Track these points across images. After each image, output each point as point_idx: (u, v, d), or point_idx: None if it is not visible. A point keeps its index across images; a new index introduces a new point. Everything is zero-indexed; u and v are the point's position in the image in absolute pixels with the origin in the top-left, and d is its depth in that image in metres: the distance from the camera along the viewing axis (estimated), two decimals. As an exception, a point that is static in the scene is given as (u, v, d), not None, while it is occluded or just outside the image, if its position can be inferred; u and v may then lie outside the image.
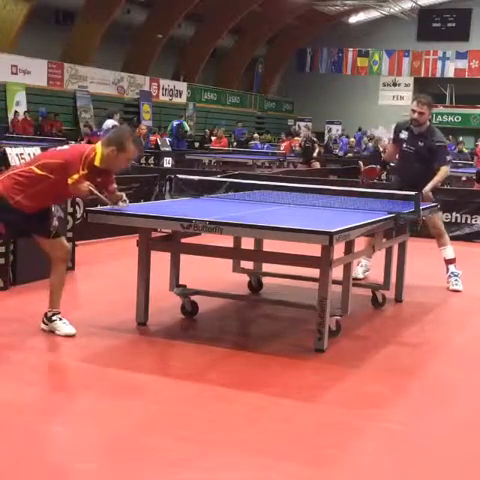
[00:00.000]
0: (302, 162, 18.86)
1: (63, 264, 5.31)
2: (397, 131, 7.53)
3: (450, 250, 7.47)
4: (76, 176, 4.92)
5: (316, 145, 19.44)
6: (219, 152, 20.80)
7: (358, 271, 7.45)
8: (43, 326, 5.30)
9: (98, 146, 5.08)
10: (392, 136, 8.03)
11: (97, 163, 5.02)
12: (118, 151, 5.04)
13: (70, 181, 4.93)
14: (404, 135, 7.36)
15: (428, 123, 7.31)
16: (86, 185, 4.97)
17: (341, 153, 26.18)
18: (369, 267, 7.69)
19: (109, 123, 16.14)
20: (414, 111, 7.21)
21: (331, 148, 28.39)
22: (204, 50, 32.99)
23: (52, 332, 5.23)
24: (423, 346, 5.62)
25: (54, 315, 5.26)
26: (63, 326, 5.23)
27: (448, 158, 7.30)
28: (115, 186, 5.35)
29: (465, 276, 7.49)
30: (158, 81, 30.84)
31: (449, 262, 7.44)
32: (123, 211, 5.39)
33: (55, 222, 5.47)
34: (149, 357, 5.13)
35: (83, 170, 4.95)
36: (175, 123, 24.02)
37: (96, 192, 5.05)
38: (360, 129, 33.69)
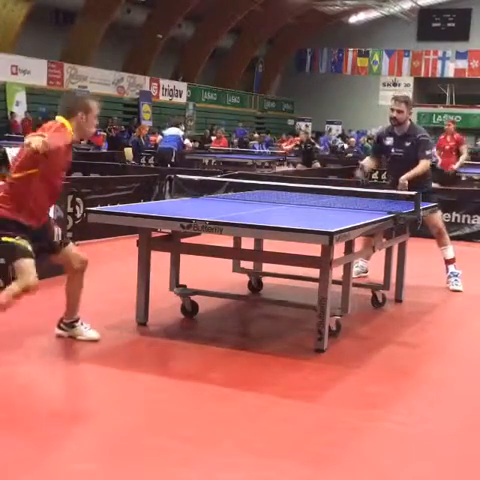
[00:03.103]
0: (303, 163, 18.89)
1: (81, 274, 5.05)
2: (380, 140, 7.45)
3: (450, 250, 7.47)
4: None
5: (316, 147, 19.50)
6: (219, 152, 20.81)
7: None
8: (60, 332, 5.16)
9: (63, 121, 4.74)
10: (373, 148, 7.99)
11: (72, 134, 4.74)
12: (86, 113, 4.79)
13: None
14: (389, 141, 7.31)
15: (409, 122, 7.29)
16: (40, 138, 4.38)
17: (325, 151, 26.03)
18: (366, 268, 7.69)
19: (172, 131, 16.40)
20: (392, 110, 7.19)
21: (332, 148, 28.40)
22: (204, 50, 32.99)
23: (73, 338, 5.12)
24: (423, 346, 5.62)
25: (75, 321, 5.15)
26: (85, 331, 5.14)
27: (428, 152, 7.28)
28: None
29: (465, 276, 7.49)
30: (158, 81, 30.83)
31: (449, 262, 7.44)
32: (123, 211, 5.39)
33: (57, 230, 5.08)
34: (149, 357, 5.14)
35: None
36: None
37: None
38: (350, 131, 33.87)
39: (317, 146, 19.89)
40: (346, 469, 3.54)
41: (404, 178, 6.99)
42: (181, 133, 16.94)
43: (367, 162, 7.68)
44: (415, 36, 38.04)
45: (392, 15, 36.55)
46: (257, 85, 39.22)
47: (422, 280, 7.64)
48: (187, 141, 17.45)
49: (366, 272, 7.71)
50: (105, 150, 20.72)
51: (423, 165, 7.13)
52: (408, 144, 7.20)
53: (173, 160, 15.97)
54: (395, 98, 7.27)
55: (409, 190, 6.70)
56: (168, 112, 29.41)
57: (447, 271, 7.45)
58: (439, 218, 7.44)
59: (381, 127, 7.92)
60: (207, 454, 3.55)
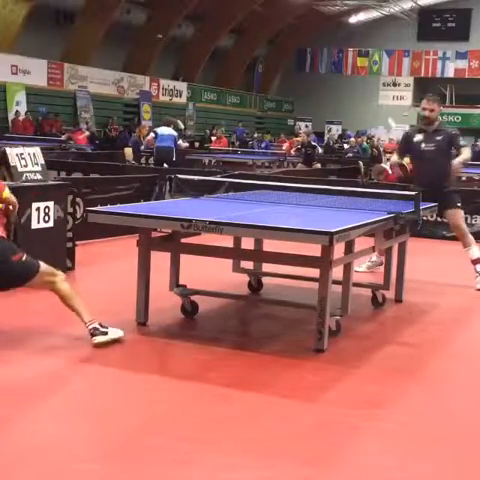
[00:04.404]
0: (303, 163, 18.93)
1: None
2: (409, 139, 7.62)
3: (475, 250, 7.49)
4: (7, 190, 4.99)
5: (317, 149, 19.55)
6: (219, 152, 20.82)
7: (364, 265, 7.61)
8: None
9: None
10: (399, 148, 8.05)
11: None
12: None
13: (6, 194, 4.94)
14: (418, 138, 7.50)
15: (438, 120, 7.54)
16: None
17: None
18: (381, 261, 7.69)
19: (166, 130, 16.35)
20: (425, 109, 7.43)
21: (332, 148, 28.42)
22: (204, 50, 32.97)
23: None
24: (423, 346, 5.62)
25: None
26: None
27: (463, 143, 7.54)
28: None
29: (465, 276, 7.50)
30: (158, 81, 30.81)
31: (475, 262, 7.45)
32: (123, 211, 5.39)
33: None
34: (149, 357, 5.14)
35: None
36: None
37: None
38: (345, 130, 34.32)
39: (319, 150, 19.88)
40: (346, 469, 3.54)
41: (458, 161, 7.21)
42: (175, 133, 16.90)
43: (395, 169, 7.88)
44: (415, 36, 38.00)
45: (392, 15, 36.53)
46: (257, 85, 39.20)
47: (422, 280, 7.64)
48: (180, 141, 17.32)
49: (381, 265, 7.73)
50: (90, 151, 20.18)
51: (468, 151, 7.40)
52: (439, 138, 7.41)
53: (174, 159, 15.96)
54: (427, 98, 7.52)
55: (435, 192, 6.98)
56: (168, 112, 29.39)
57: (475, 271, 7.46)
58: (461, 220, 7.52)
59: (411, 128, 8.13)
60: (207, 454, 3.55)
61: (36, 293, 6.13)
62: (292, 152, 20.35)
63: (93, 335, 5.00)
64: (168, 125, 16.96)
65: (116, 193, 10.08)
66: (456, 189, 7.65)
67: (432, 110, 7.40)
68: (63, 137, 21.24)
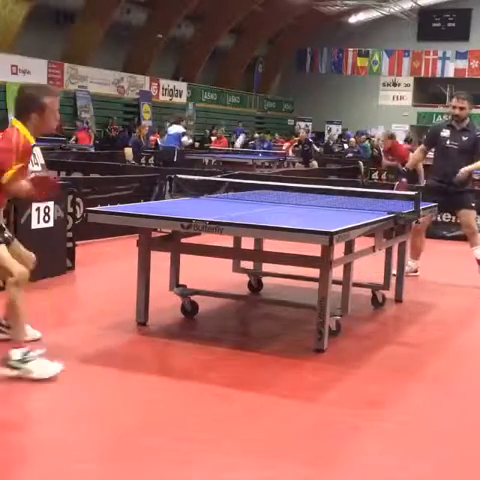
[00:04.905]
0: (301, 162, 19.01)
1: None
2: (436, 132, 7.63)
3: None
4: (11, 172, 4.26)
5: (314, 146, 19.66)
6: (219, 152, 20.83)
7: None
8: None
9: (17, 125, 4.39)
10: (425, 140, 8.01)
11: (32, 140, 4.38)
12: (40, 114, 4.39)
13: (5, 180, 4.28)
14: (445, 133, 7.50)
15: (468, 119, 7.51)
16: (26, 183, 4.35)
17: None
18: (416, 268, 7.72)
19: (173, 129, 16.46)
20: (454, 107, 7.43)
21: (332, 148, 28.42)
22: (204, 50, 32.96)
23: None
24: (423, 346, 5.62)
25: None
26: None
27: None
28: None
29: (464, 276, 7.50)
30: (158, 81, 30.80)
31: None
32: (123, 211, 5.39)
33: None
34: (149, 357, 5.14)
35: (18, 162, 4.28)
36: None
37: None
38: (345, 130, 34.45)
39: (315, 147, 20.00)
40: (346, 469, 3.54)
41: (465, 170, 7.22)
42: (182, 130, 16.95)
43: (416, 155, 7.95)
44: (415, 36, 37.98)
45: (392, 15, 36.51)
46: (257, 85, 39.19)
47: (422, 280, 7.64)
48: (185, 138, 17.33)
49: (416, 272, 7.71)
50: (93, 151, 20.11)
51: None
52: (465, 138, 7.41)
53: (175, 159, 15.99)
54: (457, 96, 7.55)
55: (453, 186, 7.16)
56: (168, 112, 29.39)
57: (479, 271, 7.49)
58: (473, 219, 7.54)
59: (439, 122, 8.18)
60: (207, 454, 3.55)
61: (34, 294, 6.13)
62: (290, 152, 20.42)
63: (6, 361, 4.32)
64: (178, 122, 17.02)
65: (116, 193, 10.08)
66: (471, 189, 7.66)
67: (462, 108, 7.40)
68: (72, 140, 21.25)
